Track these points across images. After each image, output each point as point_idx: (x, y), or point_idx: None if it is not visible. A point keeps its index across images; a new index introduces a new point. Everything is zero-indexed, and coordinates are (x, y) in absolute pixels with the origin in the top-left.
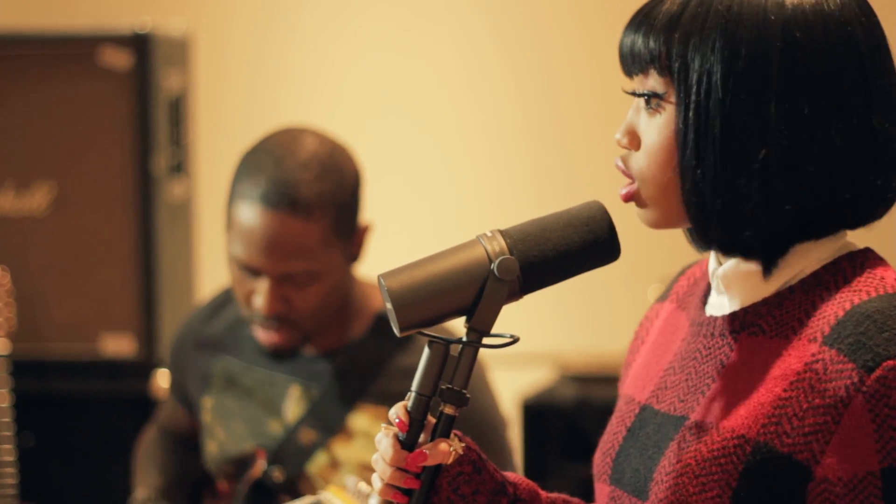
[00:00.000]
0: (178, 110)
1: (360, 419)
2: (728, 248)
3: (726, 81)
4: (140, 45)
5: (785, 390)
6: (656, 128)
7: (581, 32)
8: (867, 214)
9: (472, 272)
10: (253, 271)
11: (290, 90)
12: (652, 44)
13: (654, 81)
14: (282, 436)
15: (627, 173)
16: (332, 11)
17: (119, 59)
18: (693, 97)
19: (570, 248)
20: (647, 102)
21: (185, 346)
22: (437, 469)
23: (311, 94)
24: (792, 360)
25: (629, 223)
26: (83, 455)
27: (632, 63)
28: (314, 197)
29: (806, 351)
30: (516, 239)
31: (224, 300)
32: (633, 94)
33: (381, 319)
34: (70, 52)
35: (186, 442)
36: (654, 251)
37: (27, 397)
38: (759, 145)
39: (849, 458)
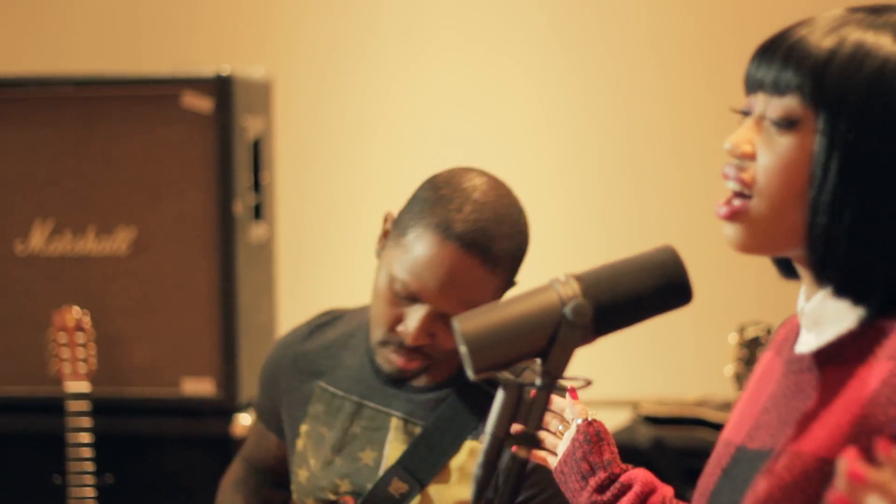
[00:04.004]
0: (258, 153)
1: (458, 457)
2: (845, 289)
3: (880, 127)
4: (221, 88)
5: (863, 408)
6: (787, 147)
7: (664, 76)
8: None
9: (545, 316)
10: (412, 298)
11: (369, 133)
12: (806, 74)
13: (792, 105)
14: (371, 485)
15: (743, 181)
16: (411, 54)
17: (200, 103)
18: (842, 134)
19: (642, 291)
20: (778, 124)
21: (282, 365)
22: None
23: (390, 137)
24: (871, 381)
25: (705, 269)
26: (162, 495)
27: (772, 86)
28: (504, 253)
29: (884, 369)
30: (589, 283)
31: (322, 322)
32: (761, 116)
33: None
34: (152, 94)
35: (272, 475)
36: (730, 297)
37: (107, 437)
38: None
39: None
